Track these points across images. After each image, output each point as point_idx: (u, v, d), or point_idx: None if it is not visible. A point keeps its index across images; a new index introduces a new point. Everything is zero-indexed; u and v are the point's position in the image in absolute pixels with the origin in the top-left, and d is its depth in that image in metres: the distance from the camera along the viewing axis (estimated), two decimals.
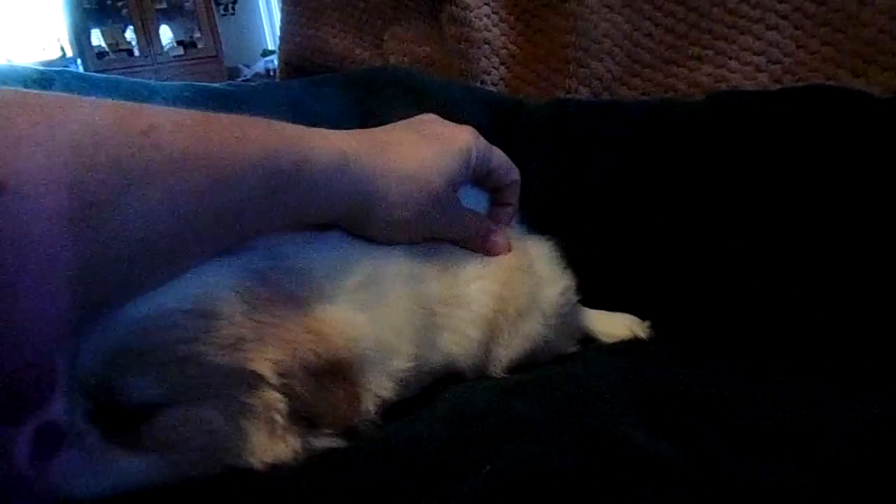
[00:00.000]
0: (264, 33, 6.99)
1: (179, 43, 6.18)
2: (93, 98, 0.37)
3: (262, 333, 0.39)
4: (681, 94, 0.76)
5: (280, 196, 0.42)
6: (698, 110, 0.67)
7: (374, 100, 0.97)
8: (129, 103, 0.38)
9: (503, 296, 0.56)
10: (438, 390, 0.53)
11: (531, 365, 0.59)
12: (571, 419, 0.46)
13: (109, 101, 0.37)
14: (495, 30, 0.88)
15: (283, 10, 1.29)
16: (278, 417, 0.40)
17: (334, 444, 0.42)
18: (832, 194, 0.61)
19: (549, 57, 0.84)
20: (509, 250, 0.57)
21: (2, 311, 0.32)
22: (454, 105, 0.83)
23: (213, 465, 0.39)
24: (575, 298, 0.65)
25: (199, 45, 6.19)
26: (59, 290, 0.32)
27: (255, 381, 0.39)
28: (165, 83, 0.88)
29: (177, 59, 6.04)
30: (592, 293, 0.70)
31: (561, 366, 0.59)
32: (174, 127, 0.37)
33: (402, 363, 0.46)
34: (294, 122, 0.98)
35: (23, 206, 0.31)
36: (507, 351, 0.56)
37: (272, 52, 6.74)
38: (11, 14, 5.22)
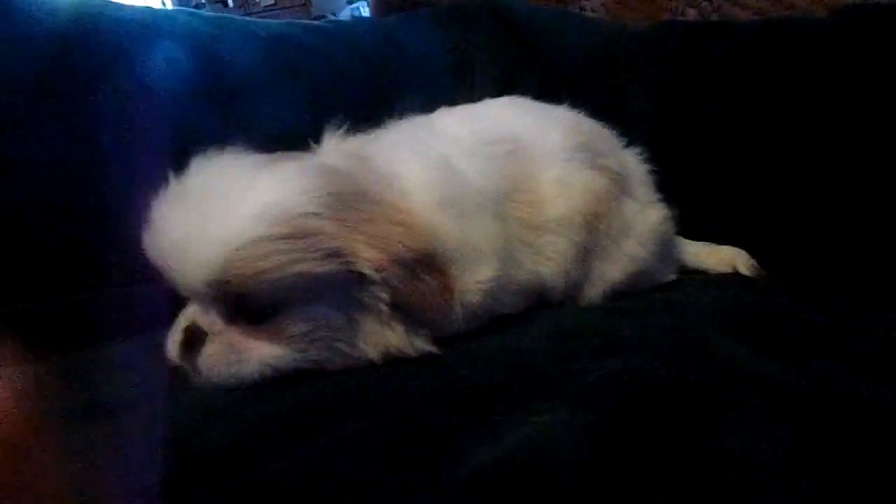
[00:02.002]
0: None
1: None
2: None
3: (354, 233, 0.41)
4: (801, 12, 0.70)
5: None
6: (820, 27, 0.62)
7: (465, 32, 0.95)
8: None
9: (593, 219, 0.56)
10: (537, 313, 0.54)
11: (631, 292, 0.59)
12: (672, 337, 0.45)
13: None
14: None
15: None
16: (383, 307, 0.43)
17: (434, 350, 0.44)
18: None
19: None
20: None
21: None
22: (549, 33, 0.81)
23: (334, 353, 0.43)
24: (673, 228, 0.63)
25: None
26: None
27: (359, 279, 0.42)
28: (273, 22, 0.91)
29: (268, 8, 6.15)
30: (693, 223, 0.68)
31: (661, 293, 0.59)
32: None
33: (487, 272, 0.48)
34: (387, 56, 0.99)
35: None
36: (611, 268, 0.57)
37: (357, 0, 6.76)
38: None
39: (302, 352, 0.42)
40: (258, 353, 0.41)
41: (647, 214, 0.60)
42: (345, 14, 7.08)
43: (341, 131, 0.54)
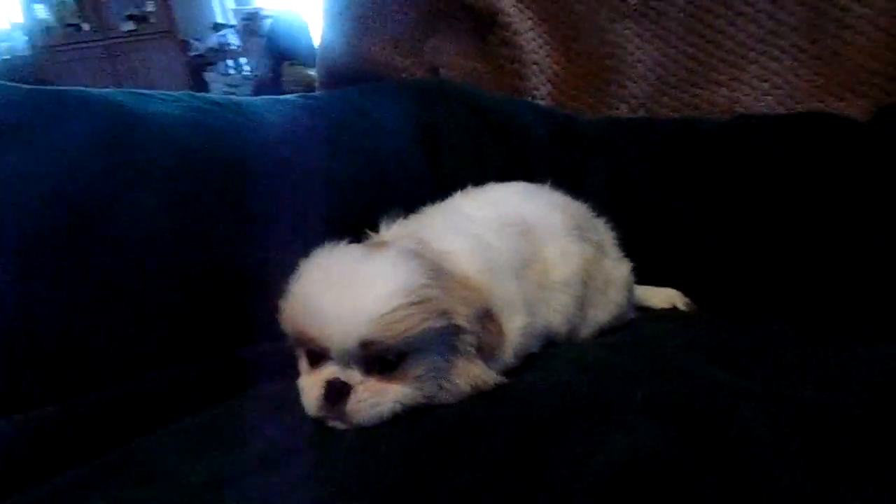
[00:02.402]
0: (211, 4, 6.82)
1: (130, 17, 6.00)
2: None
3: (450, 296, 0.57)
4: (704, 112, 0.95)
5: None
6: (724, 129, 0.86)
7: (430, 111, 1.12)
8: None
9: (586, 278, 0.75)
10: (551, 351, 0.72)
11: (610, 329, 0.78)
12: (668, 366, 0.65)
13: None
14: (542, 51, 1.05)
15: (323, 20, 1.41)
16: (471, 349, 0.58)
17: (503, 381, 0.60)
18: (825, 197, 0.82)
19: (591, 77, 1.01)
20: None
21: None
22: (515, 117, 1.00)
23: (440, 389, 0.58)
24: (634, 277, 0.84)
25: (152, 20, 6.03)
26: None
27: (458, 330, 0.57)
28: (259, 99, 1.01)
29: (130, 33, 5.90)
30: (641, 273, 0.89)
31: (636, 329, 0.79)
32: None
33: (522, 320, 0.65)
34: (364, 129, 1.12)
35: None
36: (599, 313, 0.76)
37: (224, 26, 6.61)
38: None
39: (420, 389, 0.57)
40: (392, 394, 0.55)
41: (620, 269, 0.80)
42: (211, 41, 6.87)
43: (397, 220, 0.70)
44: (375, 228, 0.72)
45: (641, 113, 0.99)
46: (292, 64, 5.66)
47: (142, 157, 0.69)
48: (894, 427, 0.50)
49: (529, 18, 1.05)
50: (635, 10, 0.99)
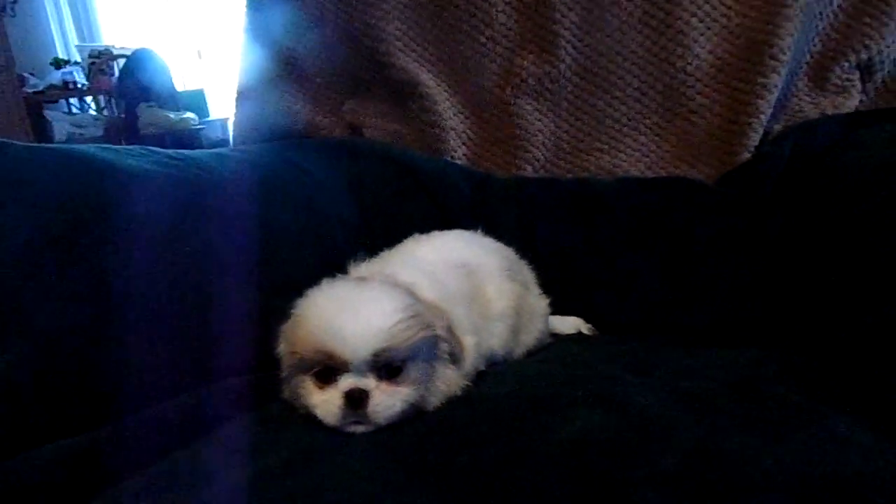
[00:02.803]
0: (53, 40, 6.42)
1: None
2: None
3: (428, 313, 0.71)
4: (592, 173, 1.18)
5: None
6: (611, 187, 1.09)
7: (359, 167, 1.25)
8: None
9: (518, 310, 0.92)
10: (494, 370, 0.87)
11: (536, 351, 0.95)
12: (590, 373, 0.83)
13: None
14: (457, 119, 1.23)
15: (241, 75, 1.49)
16: (446, 356, 0.73)
17: (469, 385, 0.75)
18: (683, 238, 1.06)
19: (501, 142, 1.21)
20: None
21: None
22: (441, 174, 1.17)
23: (427, 390, 0.71)
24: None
25: None
26: None
27: (438, 341, 0.72)
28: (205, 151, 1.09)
29: None
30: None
31: (556, 350, 0.97)
32: None
33: (472, 340, 0.80)
34: (299, 181, 1.22)
35: None
36: (528, 338, 0.93)
37: (66, 62, 6.23)
38: None
39: (417, 390, 0.69)
40: (401, 394, 0.68)
41: (540, 302, 0.98)
42: (54, 78, 6.45)
43: (363, 262, 0.83)
44: (322, 275, 0.82)
45: (543, 173, 1.20)
46: (150, 105, 5.47)
47: (139, 211, 0.77)
48: (736, 397, 0.71)
49: (445, 91, 1.24)
50: (533, 89, 1.21)
